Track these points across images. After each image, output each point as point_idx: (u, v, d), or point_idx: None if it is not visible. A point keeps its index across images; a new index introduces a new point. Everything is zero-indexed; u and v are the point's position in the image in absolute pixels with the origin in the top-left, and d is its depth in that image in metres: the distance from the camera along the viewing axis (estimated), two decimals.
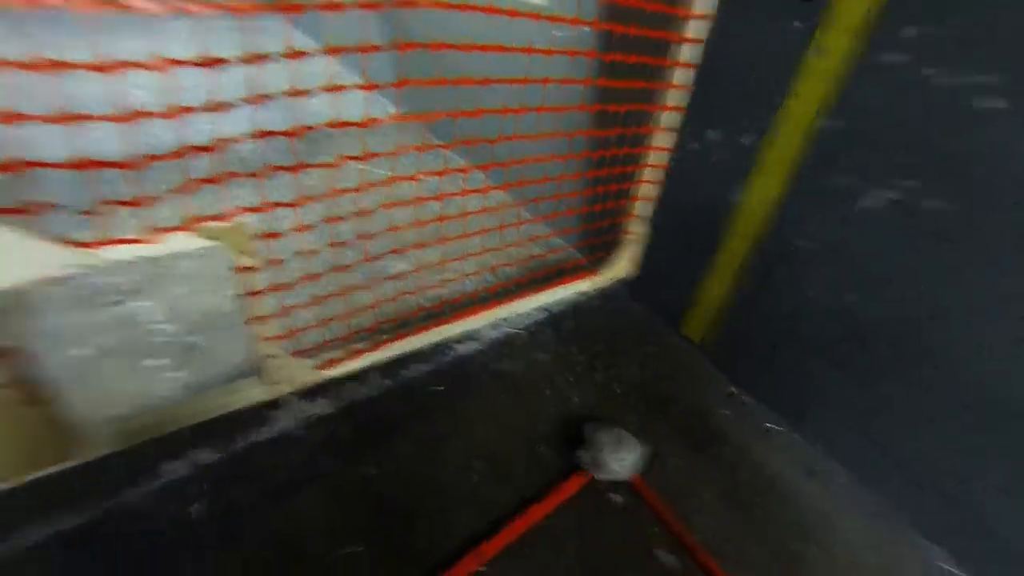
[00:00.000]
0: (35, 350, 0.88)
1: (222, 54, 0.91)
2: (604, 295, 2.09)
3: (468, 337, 1.77)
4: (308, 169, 1.18)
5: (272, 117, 1.19)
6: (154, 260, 0.95)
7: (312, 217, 1.36)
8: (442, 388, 1.58)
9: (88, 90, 1.26)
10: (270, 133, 1.06)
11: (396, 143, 1.36)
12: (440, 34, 2.74)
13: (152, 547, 1.08)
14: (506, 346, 1.78)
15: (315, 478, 1.27)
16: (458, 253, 1.77)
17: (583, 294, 2.06)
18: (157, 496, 1.17)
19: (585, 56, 1.74)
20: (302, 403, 1.43)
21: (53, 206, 0.77)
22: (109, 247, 0.87)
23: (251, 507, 1.18)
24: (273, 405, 1.40)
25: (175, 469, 1.22)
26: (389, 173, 1.48)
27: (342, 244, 1.40)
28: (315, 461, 1.31)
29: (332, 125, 1.13)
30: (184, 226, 0.92)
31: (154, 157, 0.90)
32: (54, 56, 0.78)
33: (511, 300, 1.86)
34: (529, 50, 1.31)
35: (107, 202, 0.86)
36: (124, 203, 0.90)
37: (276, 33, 2.76)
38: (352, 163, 1.20)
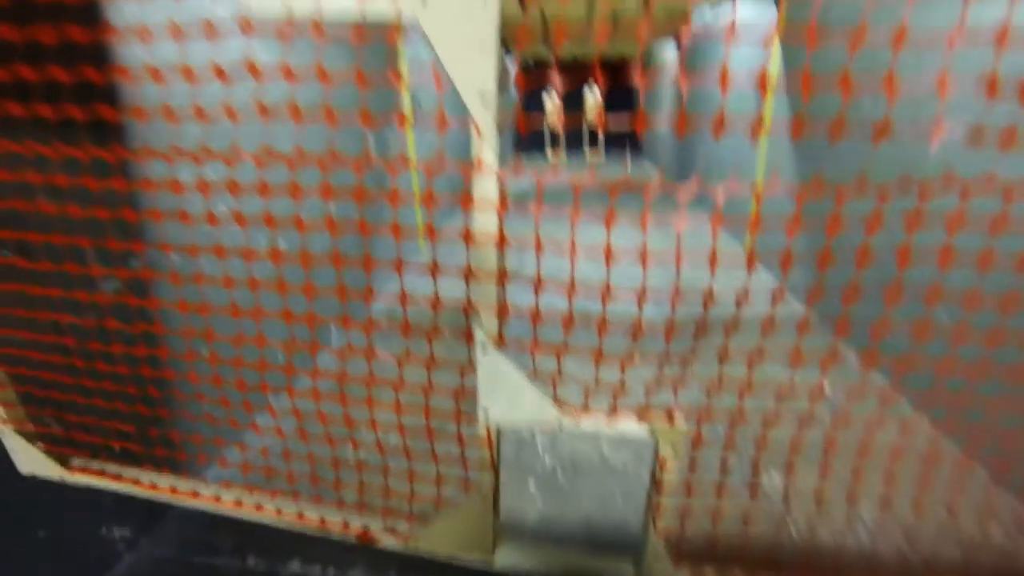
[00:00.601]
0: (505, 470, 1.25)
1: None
2: None
3: None
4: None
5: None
6: (604, 435, 1.23)
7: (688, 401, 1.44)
8: None
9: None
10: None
11: (800, 346, 1.31)
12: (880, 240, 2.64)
13: None
14: None
15: None
16: (853, 492, 1.46)
17: None
18: None
19: None
20: None
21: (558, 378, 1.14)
22: (576, 414, 1.19)
23: None
24: None
25: None
26: (788, 380, 1.43)
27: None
28: None
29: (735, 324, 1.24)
30: (634, 412, 1.18)
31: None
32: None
33: None
34: None
35: (589, 387, 1.22)
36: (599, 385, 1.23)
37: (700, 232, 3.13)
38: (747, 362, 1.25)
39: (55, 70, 1.10)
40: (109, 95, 1.77)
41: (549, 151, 13.56)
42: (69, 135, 1.44)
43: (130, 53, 1.89)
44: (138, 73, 1.13)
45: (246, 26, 1.01)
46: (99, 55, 1.76)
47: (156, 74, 1.10)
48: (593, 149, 13.39)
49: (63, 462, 1.81)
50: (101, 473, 1.83)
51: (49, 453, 1.79)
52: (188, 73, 1.09)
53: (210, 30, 1.04)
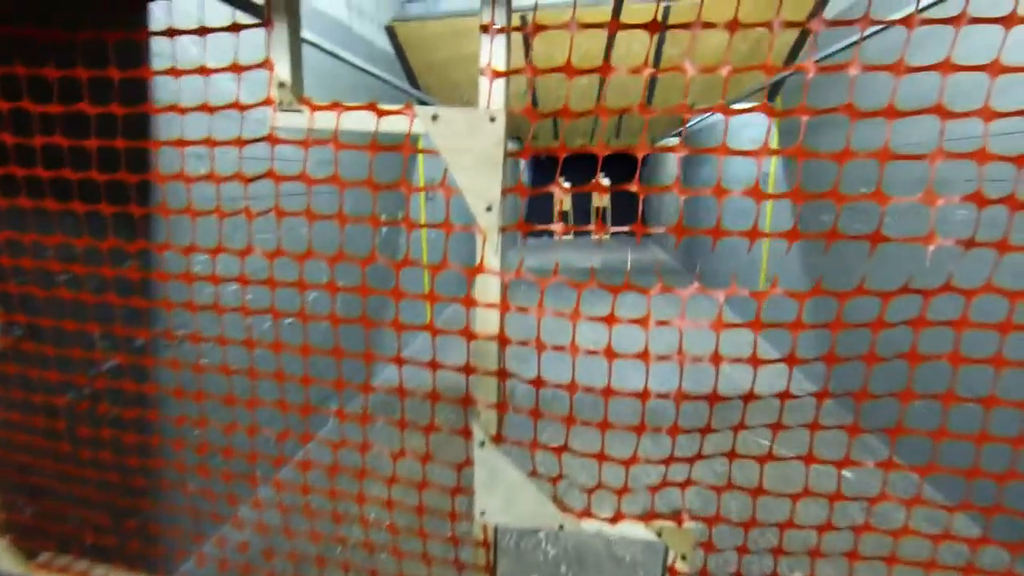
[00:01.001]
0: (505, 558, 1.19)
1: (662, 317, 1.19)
2: None
3: None
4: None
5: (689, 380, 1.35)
6: (613, 539, 1.19)
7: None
8: None
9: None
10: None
11: (811, 423, 1.27)
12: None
13: None
14: None
15: None
16: None
17: None
18: None
19: None
20: None
21: (559, 478, 1.12)
22: (578, 515, 1.16)
23: None
24: None
25: None
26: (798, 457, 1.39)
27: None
28: None
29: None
30: (641, 516, 1.15)
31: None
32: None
33: None
34: None
35: (593, 487, 1.19)
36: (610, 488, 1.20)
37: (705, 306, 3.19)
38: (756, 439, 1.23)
39: (95, 173, 1.19)
40: (142, 194, 1.89)
41: (557, 230, 14.79)
42: (98, 228, 1.51)
43: (167, 161, 2.05)
44: (170, 176, 1.23)
45: (273, 140, 1.11)
46: (141, 161, 1.90)
47: (187, 177, 1.19)
48: (601, 230, 14.54)
49: (29, 555, 1.71)
50: (66, 570, 1.72)
51: (16, 546, 1.70)
52: (214, 177, 1.18)
53: (240, 143, 1.15)
